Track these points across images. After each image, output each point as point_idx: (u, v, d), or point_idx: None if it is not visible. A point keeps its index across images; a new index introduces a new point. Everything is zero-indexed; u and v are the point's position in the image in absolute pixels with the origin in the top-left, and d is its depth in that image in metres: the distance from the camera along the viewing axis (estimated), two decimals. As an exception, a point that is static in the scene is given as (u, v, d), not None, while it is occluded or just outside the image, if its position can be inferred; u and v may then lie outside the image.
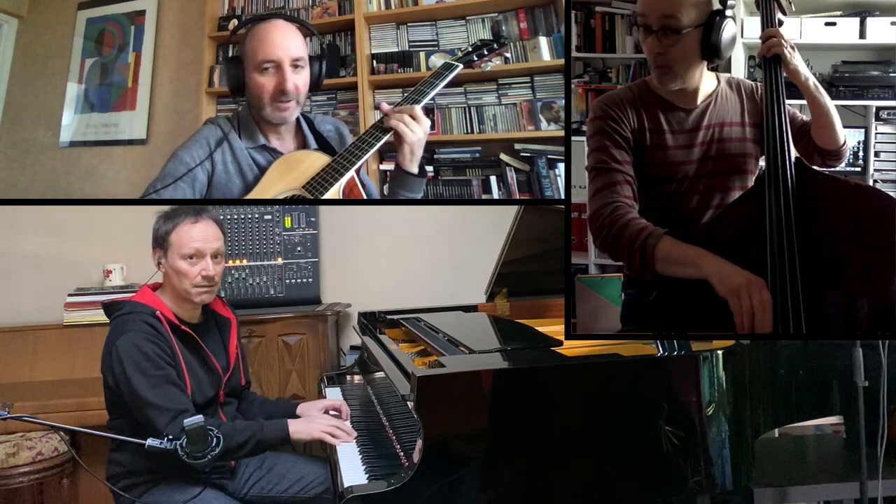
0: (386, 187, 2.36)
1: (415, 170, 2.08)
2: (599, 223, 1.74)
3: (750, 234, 1.65)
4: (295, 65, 2.07)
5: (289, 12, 3.02)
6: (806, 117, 1.88)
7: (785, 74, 1.74)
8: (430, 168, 2.85)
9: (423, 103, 2.13)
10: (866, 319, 1.64)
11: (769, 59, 1.73)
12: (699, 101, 1.83)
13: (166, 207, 2.09)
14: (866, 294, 1.63)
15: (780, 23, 1.75)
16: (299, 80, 2.08)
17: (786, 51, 1.71)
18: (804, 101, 1.81)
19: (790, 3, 1.78)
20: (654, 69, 1.77)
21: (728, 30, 1.73)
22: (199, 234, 2.03)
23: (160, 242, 2.05)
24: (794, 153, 1.70)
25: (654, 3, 1.72)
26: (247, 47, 2.09)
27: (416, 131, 2.04)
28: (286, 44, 2.06)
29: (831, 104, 1.80)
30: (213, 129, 2.12)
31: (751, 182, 1.84)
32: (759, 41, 1.76)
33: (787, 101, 1.73)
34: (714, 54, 1.74)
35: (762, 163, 1.83)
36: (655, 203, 1.82)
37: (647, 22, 1.72)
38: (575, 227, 2.12)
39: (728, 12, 1.74)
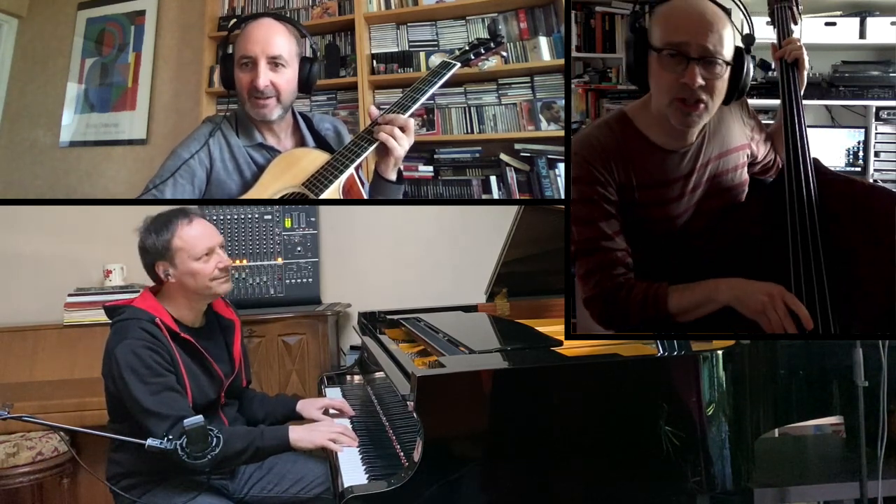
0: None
1: (393, 177, 2.09)
2: (601, 308, 1.68)
3: (759, 237, 1.65)
4: (273, 62, 2.07)
5: (288, 12, 3.02)
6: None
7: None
8: (429, 168, 2.85)
9: (418, 104, 2.13)
10: (871, 319, 1.64)
11: (788, 63, 1.72)
12: (694, 138, 1.69)
13: (153, 210, 2.07)
14: (874, 293, 1.63)
15: (791, 31, 1.76)
16: (279, 79, 2.08)
17: (805, 54, 1.70)
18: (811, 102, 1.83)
19: (800, 13, 1.78)
20: (683, 106, 1.60)
21: (751, 71, 1.64)
22: (204, 232, 2.04)
23: (162, 254, 2.00)
24: (812, 154, 1.68)
25: (697, 30, 1.57)
26: (235, 44, 2.11)
27: (404, 145, 2.04)
28: (264, 41, 2.07)
29: None
30: (209, 126, 2.13)
31: None
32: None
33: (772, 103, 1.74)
34: (738, 96, 1.64)
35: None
36: (653, 249, 1.74)
37: (686, 49, 1.57)
38: (575, 228, 2.11)
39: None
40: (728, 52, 1.61)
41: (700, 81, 1.58)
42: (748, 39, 1.66)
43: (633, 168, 1.67)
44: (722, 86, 1.62)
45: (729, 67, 1.61)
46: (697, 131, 1.70)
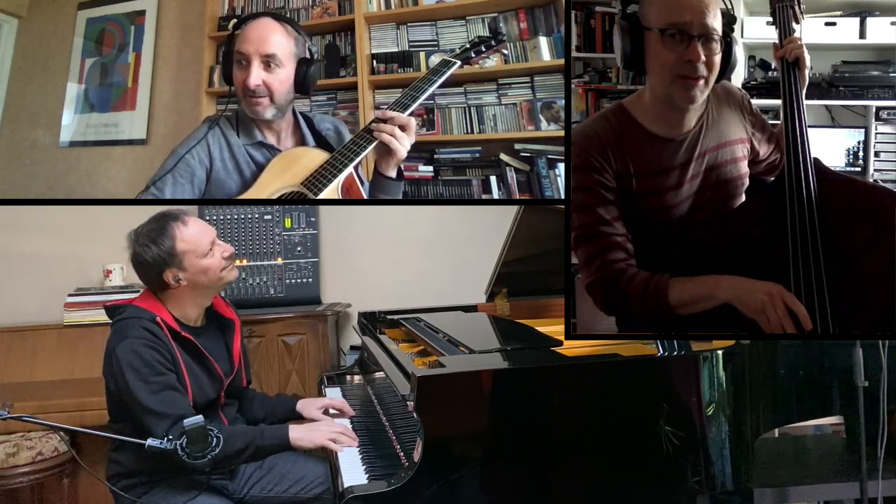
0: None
1: (394, 174, 2.09)
2: (603, 294, 1.70)
3: (759, 237, 1.65)
4: (267, 62, 2.06)
5: (288, 12, 3.02)
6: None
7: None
8: (429, 168, 2.85)
9: (419, 102, 2.13)
10: (871, 319, 1.64)
11: (789, 63, 1.72)
12: (691, 126, 1.72)
13: (150, 211, 2.07)
14: (874, 293, 1.63)
15: (793, 30, 1.76)
16: (272, 78, 2.07)
17: (806, 54, 1.71)
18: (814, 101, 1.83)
19: (802, 12, 1.78)
20: (685, 82, 1.65)
21: (740, 52, 1.71)
22: (201, 228, 2.05)
23: (169, 261, 1.98)
24: (813, 153, 1.68)
25: (697, 9, 1.63)
26: (235, 42, 2.11)
27: (406, 146, 2.04)
28: (258, 40, 2.07)
29: None
30: (209, 125, 2.14)
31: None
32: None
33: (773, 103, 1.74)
34: (730, 71, 1.70)
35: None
36: (652, 239, 1.74)
37: (688, 28, 1.63)
38: (575, 228, 2.10)
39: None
40: (721, 29, 1.67)
41: (702, 59, 1.64)
42: (731, 18, 1.71)
43: (630, 157, 1.70)
44: (718, 61, 1.67)
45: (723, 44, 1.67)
46: (695, 118, 1.73)
